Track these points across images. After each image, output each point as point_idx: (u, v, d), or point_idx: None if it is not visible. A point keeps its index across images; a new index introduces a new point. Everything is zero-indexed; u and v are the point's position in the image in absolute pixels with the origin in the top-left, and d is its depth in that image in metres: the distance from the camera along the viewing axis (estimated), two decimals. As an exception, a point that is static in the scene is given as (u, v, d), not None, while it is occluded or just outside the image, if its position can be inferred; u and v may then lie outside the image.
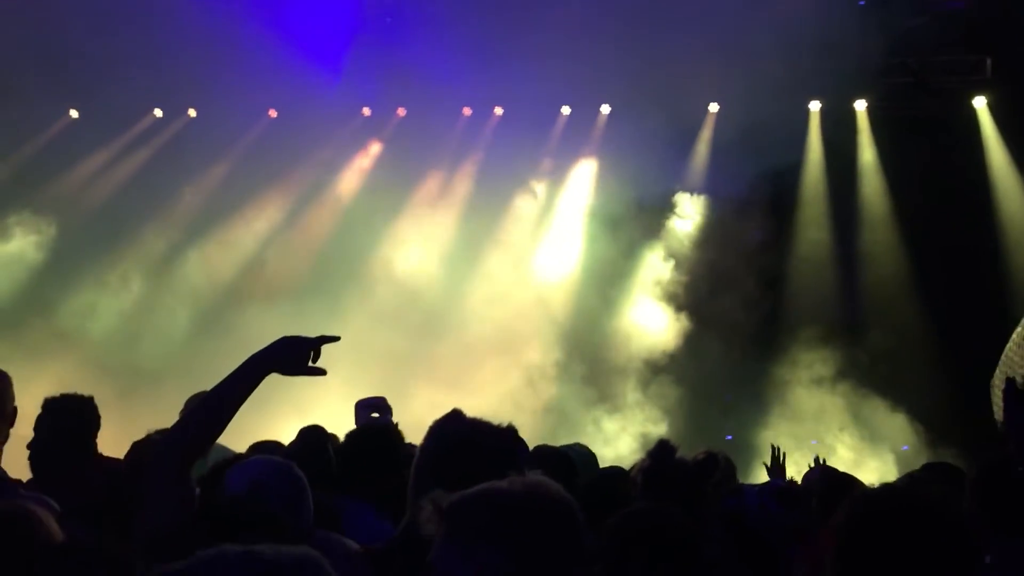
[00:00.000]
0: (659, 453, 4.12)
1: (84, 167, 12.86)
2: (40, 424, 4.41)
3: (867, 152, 12.08)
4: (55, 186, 12.70)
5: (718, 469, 4.26)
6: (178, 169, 12.80)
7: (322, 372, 2.90)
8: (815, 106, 12.26)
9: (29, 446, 4.36)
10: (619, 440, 11.50)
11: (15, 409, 3.91)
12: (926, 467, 5.36)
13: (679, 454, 4.36)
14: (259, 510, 2.79)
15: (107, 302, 12.20)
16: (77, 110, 12.80)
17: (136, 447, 4.64)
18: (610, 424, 11.69)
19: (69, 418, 4.45)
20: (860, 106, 12.14)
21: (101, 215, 12.54)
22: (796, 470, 6.87)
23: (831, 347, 11.44)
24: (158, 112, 13.06)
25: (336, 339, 2.96)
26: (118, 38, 10.97)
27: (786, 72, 10.41)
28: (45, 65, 11.16)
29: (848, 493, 4.56)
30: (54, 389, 4.67)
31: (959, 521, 2.26)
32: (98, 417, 4.56)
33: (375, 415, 4.12)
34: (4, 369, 4.03)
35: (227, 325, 11.76)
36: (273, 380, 2.84)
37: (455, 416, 2.76)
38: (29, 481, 4.26)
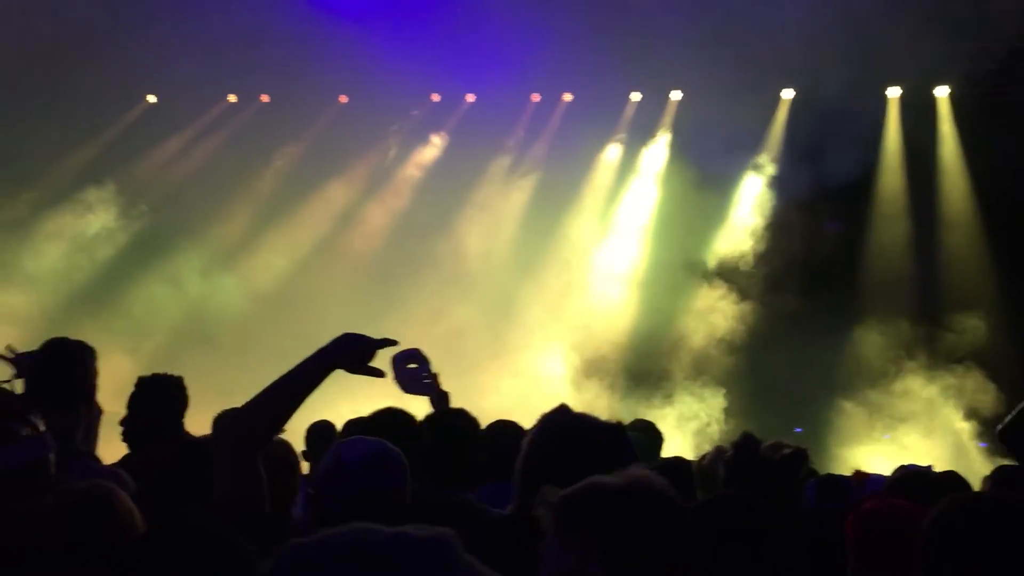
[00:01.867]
0: (744, 445, 4.07)
1: (161, 151, 13.13)
2: (132, 401, 4.54)
3: (948, 141, 11.75)
4: (133, 170, 12.99)
5: (805, 465, 4.19)
6: (251, 154, 13.01)
7: (380, 374, 2.96)
8: (894, 92, 11.96)
9: (122, 422, 4.49)
10: (685, 430, 11.42)
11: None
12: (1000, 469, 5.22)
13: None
14: (381, 484, 2.96)
15: (184, 285, 12.45)
16: (155, 96, 13.07)
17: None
18: (671, 413, 11.60)
19: (160, 396, 4.56)
20: (941, 93, 11.81)
21: (177, 199, 12.80)
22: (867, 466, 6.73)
23: (907, 341, 11.20)
24: (232, 97, 13.27)
25: (394, 343, 2.99)
26: (193, 25, 11.16)
27: (864, 57, 10.17)
28: (123, 52, 11.39)
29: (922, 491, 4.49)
30: (139, 370, 4.81)
31: None
32: (186, 396, 4.68)
33: (412, 365, 4.12)
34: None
35: (300, 309, 11.95)
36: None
37: (563, 410, 2.81)
38: (124, 457, 4.38)
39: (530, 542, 2.06)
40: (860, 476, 5.50)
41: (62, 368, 4.00)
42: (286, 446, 4.44)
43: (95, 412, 4.11)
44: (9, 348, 4.02)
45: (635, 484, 2.05)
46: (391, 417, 4.43)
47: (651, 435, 5.72)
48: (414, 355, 4.16)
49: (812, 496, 4.26)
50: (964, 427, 10.93)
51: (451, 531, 1.24)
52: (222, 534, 1.93)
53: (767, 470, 3.74)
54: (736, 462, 3.83)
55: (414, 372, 4.13)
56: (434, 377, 4.21)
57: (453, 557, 1.22)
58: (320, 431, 5.70)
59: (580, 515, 1.99)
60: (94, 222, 12.66)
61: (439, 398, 4.23)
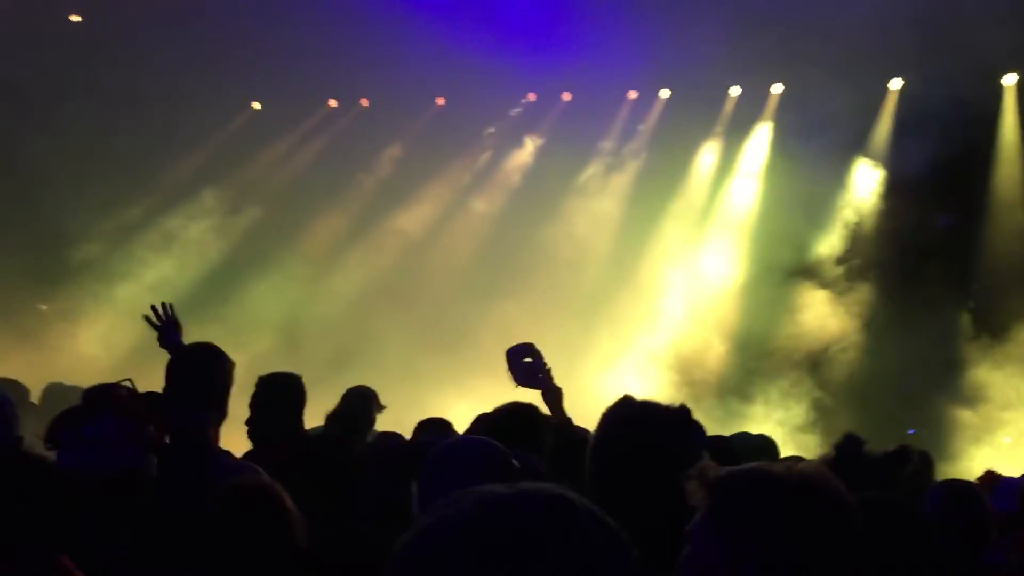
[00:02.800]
0: (845, 445, 3.92)
1: (265, 156, 13.50)
2: (255, 400, 4.67)
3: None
4: (239, 175, 13.38)
5: (911, 462, 4.00)
6: (353, 157, 13.26)
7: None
8: (1010, 80, 11.41)
9: (248, 422, 4.61)
10: (787, 432, 11.12)
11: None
12: None
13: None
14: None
15: (289, 286, 12.73)
16: (259, 103, 13.43)
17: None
18: (773, 415, 11.31)
19: (281, 395, 4.69)
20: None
21: (282, 202, 13.14)
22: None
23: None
24: (333, 102, 13.53)
25: None
26: (293, 33, 11.42)
27: (978, 44, 9.73)
28: (229, 61, 11.74)
29: None
30: (249, 370, 4.95)
31: None
32: (304, 394, 4.81)
33: (527, 360, 4.11)
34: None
35: (399, 309, 12.14)
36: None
37: (626, 400, 2.73)
38: (248, 453, 4.51)
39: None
40: (990, 477, 5.21)
41: (202, 370, 4.18)
42: None
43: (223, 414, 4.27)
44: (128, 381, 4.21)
45: (812, 482, 1.86)
46: (516, 414, 4.45)
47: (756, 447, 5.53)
48: (528, 349, 4.18)
49: (934, 504, 4.06)
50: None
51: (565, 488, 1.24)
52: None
53: (870, 470, 3.59)
54: (836, 463, 3.68)
55: (529, 366, 4.14)
56: (547, 372, 4.17)
57: (573, 507, 1.22)
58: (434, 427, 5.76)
59: (744, 506, 1.83)
60: (205, 225, 13.08)
61: (552, 393, 4.15)
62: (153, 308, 5.00)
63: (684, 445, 2.52)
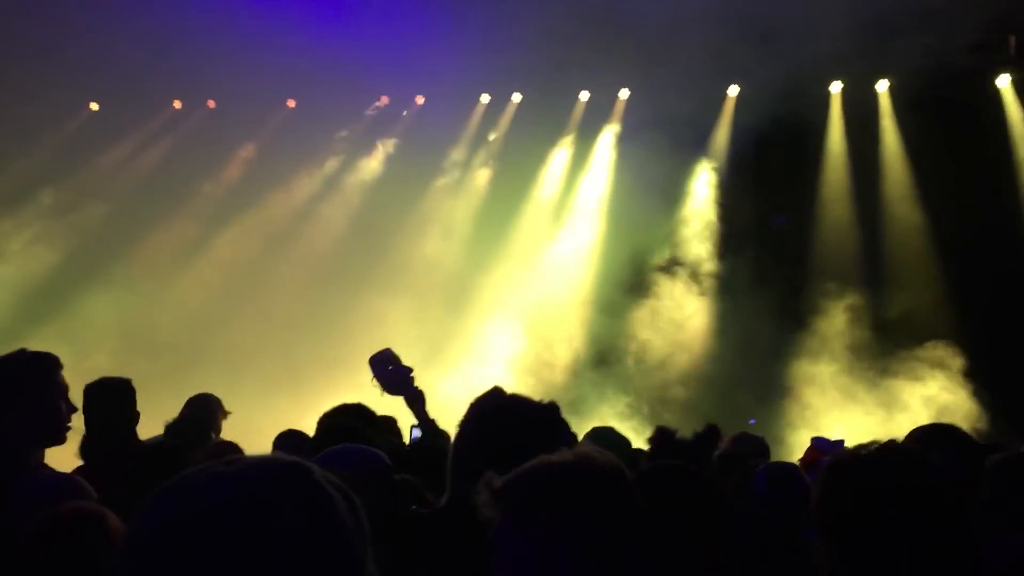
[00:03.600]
0: (657, 436, 4.10)
1: (105, 159, 12.94)
2: (85, 411, 4.46)
3: (890, 133, 11.97)
4: (77, 178, 12.78)
5: (719, 439, 4.22)
6: (198, 160, 12.86)
7: None
8: (836, 87, 12.15)
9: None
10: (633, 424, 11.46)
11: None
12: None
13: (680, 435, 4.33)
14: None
15: (132, 293, 12.22)
16: (97, 103, 12.87)
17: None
18: (624, 410, 11.63)
19: (111, 401, 4.49)
20: (882, 87, 12.02)
21: (122, 207, 12.62)
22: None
23: (854, 324, 11.41)
24: (177, 104, 13.10)
25: None
26: (136, 31, 11.00)
27: (807, 53, 10.31)
28: (64, 60, 11.21)
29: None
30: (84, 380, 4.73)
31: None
32: (133, 397, 4.61)
33: (391, 367, 4.11)
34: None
35: (251, 311, 11.85)
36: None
37: (495, 392, 2.70)
38: (78, 468, 4.30)
39: (467, 532, 1.96)
40: (812, 456, 5.46)
41: (24, 380, 3.93)
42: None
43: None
44: None
45: (587, 461, 1.92)
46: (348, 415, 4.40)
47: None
48: (390, 355, 4.14)
49: (762, 485, 4.23)
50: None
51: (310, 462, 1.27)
52: None
53: (684, 454, 3.76)
54: (655, 454, 3.85)
55: (395, 373, 4.09)
56: (410, 376, 4.14)
57: (309, 474, 1.25)
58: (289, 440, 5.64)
59: (538, 500, 1.87)
60: (38, 229, 12.44)
61: (416, 397, 4.10)
62: None
63: (551, 442, 2.48)
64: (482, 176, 13.01)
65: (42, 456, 3.95)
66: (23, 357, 3.89)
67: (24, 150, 12.34)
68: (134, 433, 4.65)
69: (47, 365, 3.86)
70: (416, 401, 4.13)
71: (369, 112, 13.06)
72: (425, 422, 4.18)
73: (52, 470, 3.87)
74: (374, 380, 4.13)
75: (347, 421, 4.14)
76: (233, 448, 4.73)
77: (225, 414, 6.34)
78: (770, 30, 10.29)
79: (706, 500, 2.61)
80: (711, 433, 4.01)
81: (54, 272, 12.25)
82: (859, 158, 12.00)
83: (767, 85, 10.87)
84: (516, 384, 11.34)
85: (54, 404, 3.84)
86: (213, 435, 6.07)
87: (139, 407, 4.79)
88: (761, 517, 4.01)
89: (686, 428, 4.58)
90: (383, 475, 3.24)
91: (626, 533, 1.88)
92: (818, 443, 5.73)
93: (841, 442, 5.76)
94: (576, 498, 1.87)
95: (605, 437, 5.34)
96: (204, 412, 6.18)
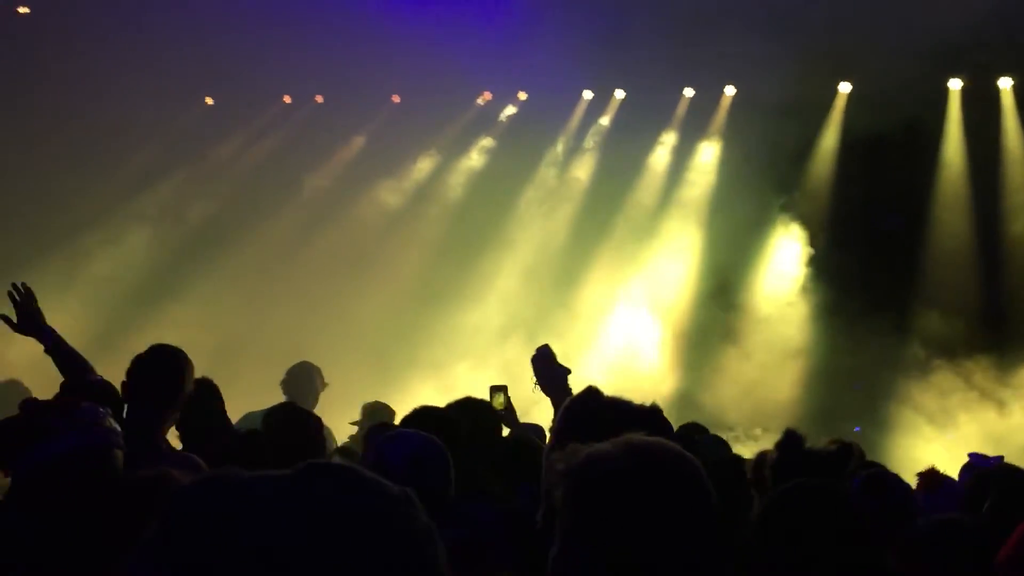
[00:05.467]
0: (787, 444, 3.94)
1: (217, 152, 13.34)
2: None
3: (1012, 135, 11.42)
4: (189, 171, 13.21)
5: (853, 459, 3.99)
6: (306, 154, 13.17)
7: None
8: (955, 84, 11.66)
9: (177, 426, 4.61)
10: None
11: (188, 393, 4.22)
12: None
13: (808, 445, 4.17)
14: (422, 485, 2.85)
15: (235, 284, 12.53)
16: (212, 98, 13.28)
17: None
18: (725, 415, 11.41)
19: (204, 396, 4.67)
20: (1005, 84, 11.49)
21: (231, 200, 12.99)
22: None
23: (970, 339, 10.94)
24: (287, 99, 13.43)
25: None
26: (248, 27, 11.30)
27: (924, 46, 9.94)
28: (181, 55, 11.58)
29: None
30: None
31: None
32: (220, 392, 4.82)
33: (553, 366, 3.89)
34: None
35: (348, 307, 12.07)
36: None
37: (592, 393, 2.55)
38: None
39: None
40: (930, 479, 5.22)
41: (157, 371, 4.19)
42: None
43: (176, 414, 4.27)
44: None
45: (646, 453, 1.76)
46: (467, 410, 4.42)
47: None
48: (548, 352, 3.91)
49: (856, 490, 4.12)
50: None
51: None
52: None
53: (814, 469, 3.61)
54: (781, 463, 3.70)
55: (555, 372, 3.86)
56: (567, 375, 3.88)
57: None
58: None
59: (592, 494, 1.74)
60: (153, 221, 12.90)
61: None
62: (14, 285, 4.67)
63: None
64: (583, 172, 12.96)
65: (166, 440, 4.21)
66: (179, 353, 4.17)
67: (140, 143, 12.80)
68: (228, 422, 4.90)
69: (184, 360, 4.12)
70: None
71: (472, 107, 13.15)
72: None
73: (175, 449, 4.14)
74: (533, 379, 3.90)
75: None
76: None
77: (324, 384, 6.75)
78: (884, 24, 9.94)
79: (851, 528, 2.55)
80: (847, 452, 3.80)
81: (162, 264, 12.63)
82: (978, 160, 11.50)
83: (880, 82, 10.53)
84: (615, 384, 11.27)
85: (184, 397, 4.11)
86: (311, 400, 6.45)
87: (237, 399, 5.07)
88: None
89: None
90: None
91: (681, 538, 1.74)
92: (975, 459, 5.46)
93: (1000, 458, 5.45)
94: (625, 499, 1.74)
95: (715, 451, 5.19)
96: (306, 380, 6.68)
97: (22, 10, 12.26)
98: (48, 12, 11.99)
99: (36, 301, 4.63)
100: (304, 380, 6.78)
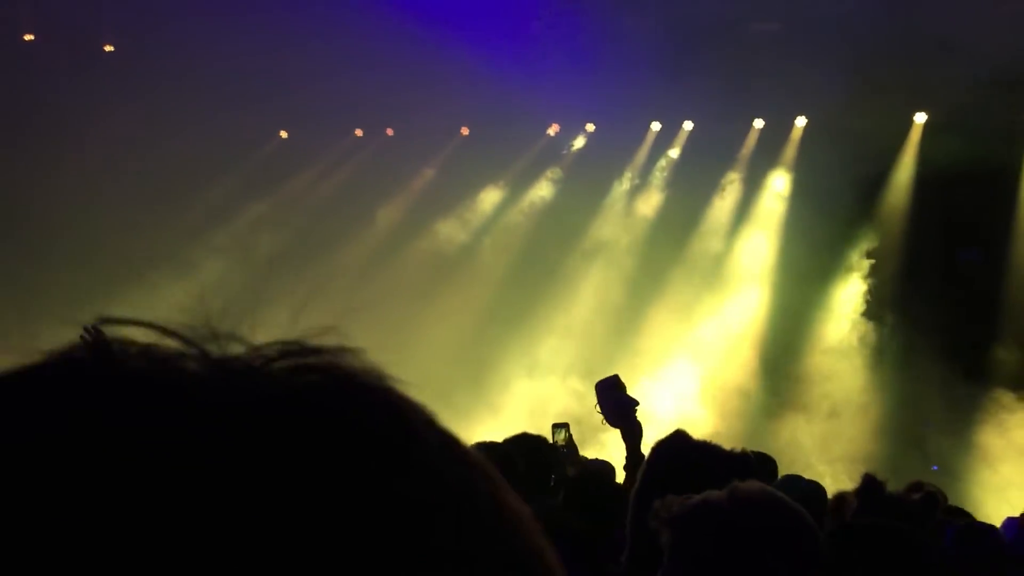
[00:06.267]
0: (866, 491, 3.78)
1: (291, 185, 13.61)
2: None
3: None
4: (264, 203, 13.48)
5: (938, 509, 3.80)
6: (377, 186, 13.35)
7: None
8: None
9: None
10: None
11: None
12: None
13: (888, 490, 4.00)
14: None
15: (305, 315, 12.67)
16: (287, 131, 13.57)
17: None
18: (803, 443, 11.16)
19: None
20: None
21: (306, 231, 13.22)
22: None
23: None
24: (359, 132, 13.66)
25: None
26: (322, 62, 11.54)
27: (1000, 76, 9.70)
28: (258, 91, 11.87)
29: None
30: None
31: None
32: None
33: (619, 395, 3.74)
34: None
35: (415, 338, 12.16)
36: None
37: (680, 437, 2.51)
38: None
39: None
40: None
41: None
42: None
43: None
44: None
45: (755, 502, 1.80)
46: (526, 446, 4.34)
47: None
48: (616, 382, 3.78)
49: (951, 542, 4.01)
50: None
51: None
52: None
53: (898, 516, 3.46)
54: (862, 511, 3.55)
55: (620, 402, 3.74)
56: (634, 406, 3.71)
57: None
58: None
59: (700, 541, 1.77)
60: (229, 251, 13.14)
61: (635, 433, 3.62)
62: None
63: None
64: (650, 206, 12.90)
65: None
66: None
67: (216, 177, 13.12)
68: None
69: None
70: (632, 436, 3.67)
71: (541, 139, 13.22)
72: (632, 460, 3.70)
73: None
74: (597, 407, 3.76)
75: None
76: None
77: None
78: (960, 52, 9.74)
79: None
80: (931, 501, 3.60)
81: (233, 295, 12.68)
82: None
83: (957, 111, 10.31)
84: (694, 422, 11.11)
85: None
86: None
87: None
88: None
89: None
90: None
91: None
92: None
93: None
94: (732, 547, 1.76)
95: (794, 486, 4.99)
96: None
97: (108, 48, 12.71)
98: (128, 49, 12.42)
99: None
100: None
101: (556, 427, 5.26)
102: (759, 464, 3.70)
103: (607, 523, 3.50)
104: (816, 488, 5.14)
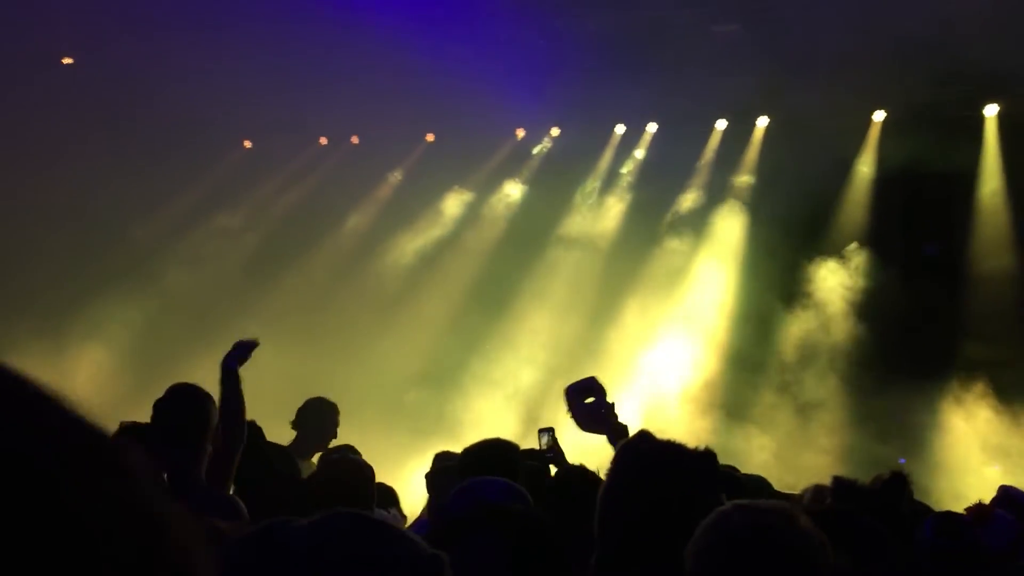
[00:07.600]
0: (839, 492, 3.80)
1: (255, 193, 13.53)
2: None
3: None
4: (229, 212, 13.39)
5: (907, 486, 3.85)
6: (342, 194, 13.30)
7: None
8: (991, 111, 11.55)
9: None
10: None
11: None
12: None
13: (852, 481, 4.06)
14: None
15: (272, 325, 12.59)
16: (250, 140, 13.49)
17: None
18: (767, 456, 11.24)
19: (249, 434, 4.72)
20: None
21: (271, 240, 13.15)
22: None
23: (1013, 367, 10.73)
24: (323, 140, 13.60)
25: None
26: (284, 70, 11.50)
27: (958, 72, 9.87)
28: (220, 100, 11.78)
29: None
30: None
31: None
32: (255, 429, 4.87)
33: (590, 399, 3.58)
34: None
35: (387, 343, 12.12)
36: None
37: (645, 437, 2.52)
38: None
39: None
40: (980, 511, 5.14)
41: (181, 409, 4.28)
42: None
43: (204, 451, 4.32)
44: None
45: (774, 522, 1.83)
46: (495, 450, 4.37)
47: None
48: (590, 385, 3.62)
49: (929, 532, 4.05)
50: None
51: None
52: None
53: (867, 501, 3.50)
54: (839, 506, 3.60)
55: (591, 406, 3.59)
56: (611, 409, 3.60)
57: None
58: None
59: (714, 565, 1.80)
60: (195, 259, 13.01)
61: (618, 434, 3.50)
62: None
63: (710, 492, 2.38)
64: (616, 208, 12.98)
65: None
66: (195, 390, 4.22)
67: (183, 186, 13.00)
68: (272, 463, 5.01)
69: (207, 398, 4.20)
70: (618, 436, 3.50)
71: (506, 144, 13.25)
72: None
73: (213, 490, 4.17)
74: (568, 412, 3.62)
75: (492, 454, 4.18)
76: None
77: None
78: (917, 49, 9.88)
79: (874, 549, 2.48)
80: (897, 482, 3.64)
81: (200, 305, 12.65)
82: (1019, 189, 11.34)
83: (915, 109, 10.47)
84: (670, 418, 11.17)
85: (209, 432, 4.15)
86: (327, 438, 6.30)
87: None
88: (925, 566, 3.83)
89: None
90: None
91: None
92: (1008, 491, 5.32)
93: None
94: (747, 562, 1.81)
95: (759, 486, 5.03)
96: (326, 416, 6.51)
97: (66, 60, 12.56)
98: (87, 61, 12.28)
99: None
100: (314, 416, 6.53)
101: (541, 431, 5.28)
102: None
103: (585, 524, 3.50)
104: (759, 480, 5.22)
